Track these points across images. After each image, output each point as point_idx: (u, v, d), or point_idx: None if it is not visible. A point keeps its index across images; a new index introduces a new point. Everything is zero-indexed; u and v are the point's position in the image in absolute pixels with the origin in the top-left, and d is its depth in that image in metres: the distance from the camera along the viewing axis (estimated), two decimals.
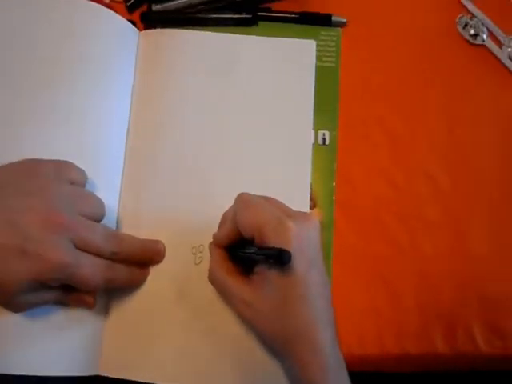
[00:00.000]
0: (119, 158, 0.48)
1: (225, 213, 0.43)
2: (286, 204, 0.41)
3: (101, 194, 0.44)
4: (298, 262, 0.36)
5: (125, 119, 0.49)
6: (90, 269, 0.38)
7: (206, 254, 0.44)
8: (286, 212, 0.39)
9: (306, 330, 0.36)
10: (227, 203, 0.42)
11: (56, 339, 0.42)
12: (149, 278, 0.45)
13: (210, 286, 0.43)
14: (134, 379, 0.42)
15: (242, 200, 0.40)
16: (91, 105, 0.46)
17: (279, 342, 0.37)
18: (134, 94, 0.49)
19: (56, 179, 0.40)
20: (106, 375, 0.42)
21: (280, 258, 0.34)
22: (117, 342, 0.43)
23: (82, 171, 0.43)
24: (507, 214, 0.49)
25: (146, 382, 0.42)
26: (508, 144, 0.51)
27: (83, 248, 0.38)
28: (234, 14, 0.51)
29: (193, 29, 0.51)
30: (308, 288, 0.36)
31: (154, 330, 0.44)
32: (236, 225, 0.39)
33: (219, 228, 0.43)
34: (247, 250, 0.39)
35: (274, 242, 0.36)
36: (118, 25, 0.50)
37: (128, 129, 0.49)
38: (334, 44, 0.52)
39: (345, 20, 0.52)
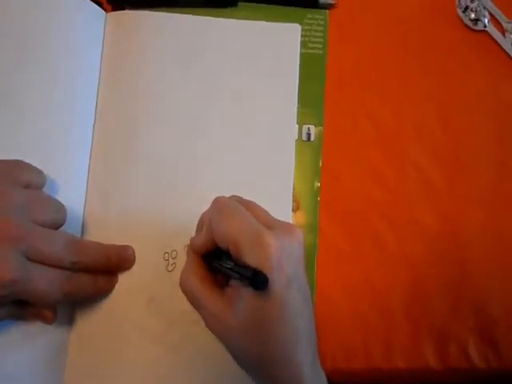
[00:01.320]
0: (85, 152, 0.44)
1: (203, 214, 0.39)
2: (268, 206, 0.37)
3: (63, 195, 0.40)
4: (277, 282, 0.32)
5: (91, 110, 0.44)
6: (45, 282, 0.35)
7: (180, 261, 0.41)
8: (266, 222, 0.34)
9: (283, 352, 0.33)
10: (205, 204, 0.37)
11: (16, 355, 0.39)
12: (116, 286, 0.41)
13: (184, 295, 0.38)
14: None
15: (218, 205, 0.36)
16: (51, 94, 0.42)
17: (252, 362, 0.34)
18: (101, 84, 0.45)
19: (6, 183, 0.36)
20: None
21: (255, 282, 0.31)
22: (82, 356, 0.40)
23: (38, 172, 0.39)
24: (505, 215, 0.46)
25: None
26: (507, 138, 0.47)
27: (38, 260, 0.35)
28: None
29: (165, 11, 0.46)
30: (286, 308, 0.33)
31: (122, 343, 0.41)
32: (211, 233, 0.35)
33: (196, 232, 0.39)
34: (223, 264, 0.35)
35: (250, 259, 0.32)
36: (82, 6, 0.45)
37: (95, 121, 0.44)
38: (320, 29, 0.48)
39: (333, 1, 0.47)
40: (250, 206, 0.36)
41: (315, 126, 0.46)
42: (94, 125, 0.44)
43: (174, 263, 0.42)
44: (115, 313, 0.41)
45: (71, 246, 0.37)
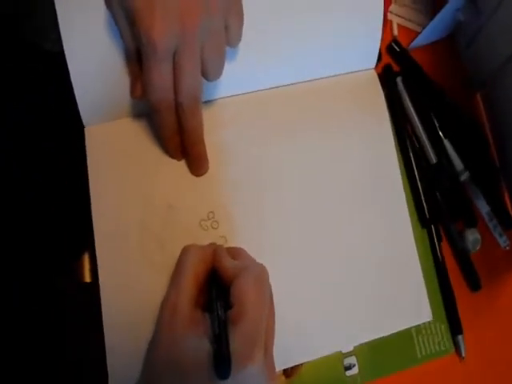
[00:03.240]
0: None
1: (249, 256, 0.39)
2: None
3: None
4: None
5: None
6: (159, 78, 0.35)
7: (211, 232, 0.41)
8: (269, 343, 0.33)
9: None
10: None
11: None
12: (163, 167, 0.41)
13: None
14: None
15: (261, 273, 0.35)
16: None
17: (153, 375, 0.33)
18: None
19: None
20: None
21: (216, 366, 0.30)
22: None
23: (240, 31, 0.39)
24: None
25: None
26: None
27: (176, 63, 0.35)
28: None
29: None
30: None
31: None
32: (237, 276, 0.34)
33: (230, 252, 0.38)
34: (218, 306, 0.33)
35: (233, 340, 0.31)
36: None
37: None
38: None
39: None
40: (271, 316, 0.35)
41: (359, 366, 0.42)
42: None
43: (208, 228, 0.41)
44: (142, 184, 0.40)
45: (195, 101, 0.37)
